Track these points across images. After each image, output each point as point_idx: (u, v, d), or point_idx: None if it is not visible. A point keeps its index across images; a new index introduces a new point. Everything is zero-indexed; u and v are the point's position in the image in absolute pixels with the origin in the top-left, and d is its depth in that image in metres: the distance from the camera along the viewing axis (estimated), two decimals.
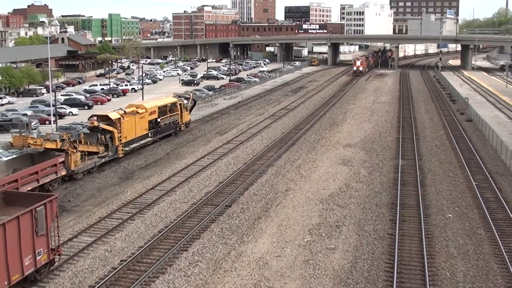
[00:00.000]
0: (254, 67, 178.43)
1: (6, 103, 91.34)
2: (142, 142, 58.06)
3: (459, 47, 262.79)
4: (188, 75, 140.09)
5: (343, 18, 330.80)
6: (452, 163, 51.37)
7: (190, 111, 71.20)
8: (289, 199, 40.63)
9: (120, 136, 53.22)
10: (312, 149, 57.18)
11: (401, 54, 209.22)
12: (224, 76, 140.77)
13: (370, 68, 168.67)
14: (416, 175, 46.29)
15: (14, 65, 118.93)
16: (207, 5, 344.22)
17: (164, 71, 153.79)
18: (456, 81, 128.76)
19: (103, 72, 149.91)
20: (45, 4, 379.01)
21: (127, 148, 54.68)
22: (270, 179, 45.82)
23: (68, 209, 39.21)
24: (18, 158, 44.73)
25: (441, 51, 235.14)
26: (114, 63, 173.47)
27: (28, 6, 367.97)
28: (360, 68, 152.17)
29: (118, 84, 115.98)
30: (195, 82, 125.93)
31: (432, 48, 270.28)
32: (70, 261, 29.98)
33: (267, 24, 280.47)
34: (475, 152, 55.05)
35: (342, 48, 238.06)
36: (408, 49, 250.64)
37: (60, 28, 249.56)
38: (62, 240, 30.70)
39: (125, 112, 56.39)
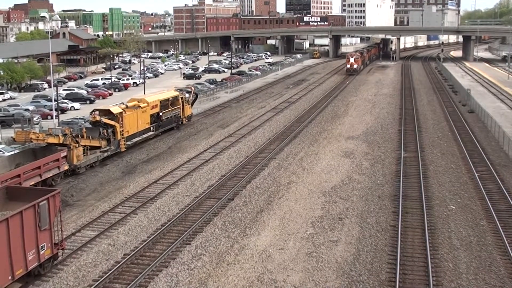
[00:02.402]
0: (255, 60, 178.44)
1: (8, 98, 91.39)
2: (144, 136, 58.07)
3: (451, 39, 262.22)
4: (189, 68, 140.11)
5: (344, 10, 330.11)
6: (454, 154, 51.34)
7: (192, 104, 71.17)
8: (292, 192, 40.66)
9: (122, 130, 53.22)
10: (314, 142, 57.17)
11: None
12: (225, 70, 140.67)
13: (366, 65, 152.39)
14: (418, 167, 46.27)
15: (16, 60, 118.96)
16: None
17: (165, 65, 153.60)
18: (457, 72, 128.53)
19: (104, 66, 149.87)
20: None
21: (129, 142, 54.70)
22: (272, 172, 45.84)
23: (71, 203, 39.29)
24: (21, 153, 44.80)
25: (443, 42, 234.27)
26: (115, 57, 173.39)
27: (29, 1, 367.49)
28: (355, 66, 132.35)
29: (119, 78, 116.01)
30: (197, 75, 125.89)
31: (422, 41, 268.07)
32: (74, 255, 30.06)
33: (268, 17, 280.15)
34: (477, 143, 55.01)
35: (343, 40, 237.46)
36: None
37: (61, 23, 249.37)
38: (65, 235, 30.77)
39: (127, 106, 56.41)
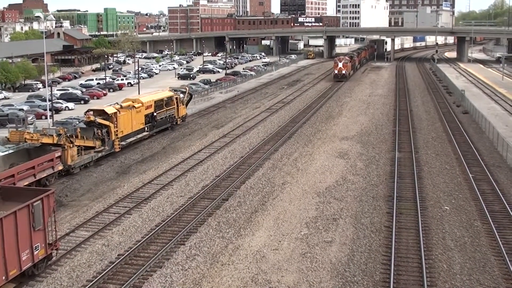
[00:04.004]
0: (250, 61, 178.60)
1: (2, 98, 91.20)
2: (139, 136, 58.00)
3: (439, 41, 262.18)
4: (184, 69, 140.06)
5: (339, 10, 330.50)
6: (448, 155, 51.43)
7: (187, 105, 71.12)
8: (286, 192, 40.65)
9: (117, 130, 53.13)
10: (309, 142, 57.20)
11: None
12: (220, 70, 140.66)
13: (356, 69, 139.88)
14: (412, 168, 46.32)
15: (10, 60, 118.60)
16: None
17: (160, 65, 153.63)
18: (452, 73, 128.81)
19: (99, 66, 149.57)
20: None
21: (123, 143, 54.62)
22: (266, 173, 45.83)
23: (65, 203, 39.21)
24: (15, 153, 44.63)
25: (437, 43, 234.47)
26: (110, 57, 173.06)
27: (24, 1, 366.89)
28: (343, 71, 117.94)
29: (114, 79, 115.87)
30: (191, 76, 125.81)
31: (408, 43, 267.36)
32: (68, 255, 29.98)
33: (262, 17, 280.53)
34: (472, 144, 55.11)
35: (338, 41, 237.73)
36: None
37: (55, 23, 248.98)
38: (60, 235, 30.72)
39: (121, 107, 56.31)
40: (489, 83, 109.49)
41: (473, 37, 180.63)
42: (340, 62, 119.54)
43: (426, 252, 29.74)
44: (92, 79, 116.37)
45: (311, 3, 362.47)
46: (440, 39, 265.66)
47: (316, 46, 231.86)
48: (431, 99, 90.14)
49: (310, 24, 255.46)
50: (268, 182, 43.20)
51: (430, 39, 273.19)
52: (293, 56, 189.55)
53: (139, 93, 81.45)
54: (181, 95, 69.91)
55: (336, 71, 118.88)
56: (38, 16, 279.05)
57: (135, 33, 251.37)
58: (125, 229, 33.73)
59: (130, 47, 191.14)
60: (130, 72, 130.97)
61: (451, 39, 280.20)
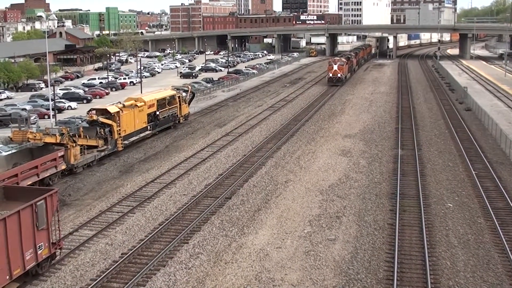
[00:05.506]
0: (252, 59, 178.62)
1: (5, 98, 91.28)
2: (141, 135, 58.02)
3: (434, 39, 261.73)
4: (186, 67, 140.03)
5: (341, 8, 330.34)
6: (451, 152, 51.38)
7: (189, 103, 71.15)
8: (289, 190, 40.65)
9: (119, 129, 53.16)
10: (312, 140, 57.17)
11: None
12: (222, 68, 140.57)
13: (353, 72, 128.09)
14: (415, 165, 46.30)
15: (12, 60, 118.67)
16: None
17: (162, 64, 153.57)
18: (454, 70, 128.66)
19: (101, 65, 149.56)
20: None
21: (126, 142, 54.64)
22: (269, 171, 45.82)
23: (68, 203, 39.22)
24: (18, 153, 44.71)
25: (439, 40, 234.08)
26: (112, 56, 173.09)
27: (26, 0, 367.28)
28: (339, 74, 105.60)
29: (116, 78, 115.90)
30: (194, 74, 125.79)
31: (403, 41, 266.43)
32: (71, 254, 30.02)
33: (264, 16, 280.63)
34: (475, 141, 55.06)
35: (340, 39, 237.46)
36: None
37: (57, 22, 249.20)
38: (63, 234, 30.73)
39: (124, 106, 56.32)
40: (492, 79, 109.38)
41: (475, 34, 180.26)
42: (335, 64, 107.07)
43: (429, 249, 29.72)
44: (95, 78, 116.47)
45: (313, 1, 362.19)
46: (437, 36, 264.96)
47: (318, 44, 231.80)
48: (434, 96, 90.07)
49: (312, 22, 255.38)
50: (271, 180, 43.20)
51: (425, 37, 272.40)
52: (295, 54, 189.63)
53: (141, 92, 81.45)
54: (184, 94, 69.92)
55: (330, 74, 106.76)
56: (40, 16, 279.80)
57: (138, 31, 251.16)
58: (129, 228, 33.76)
59: (132, 46, 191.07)
60: (132, 71, 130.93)
61: (447, 37, 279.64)
